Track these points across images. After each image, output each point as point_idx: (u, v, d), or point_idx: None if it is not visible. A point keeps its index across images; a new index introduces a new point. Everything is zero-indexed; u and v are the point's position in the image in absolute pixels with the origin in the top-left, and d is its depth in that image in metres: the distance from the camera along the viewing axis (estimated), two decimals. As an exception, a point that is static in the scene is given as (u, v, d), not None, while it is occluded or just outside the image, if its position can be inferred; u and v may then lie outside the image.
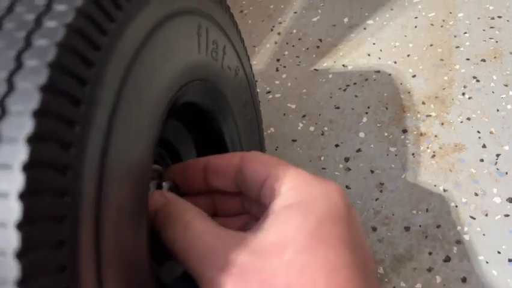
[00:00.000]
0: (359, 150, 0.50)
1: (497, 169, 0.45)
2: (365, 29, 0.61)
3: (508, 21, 0.56)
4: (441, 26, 0.58)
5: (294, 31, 0.64)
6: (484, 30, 0.56)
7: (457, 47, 0.55)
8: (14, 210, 0.16)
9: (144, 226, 0.24)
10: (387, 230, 0.43)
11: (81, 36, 0.19)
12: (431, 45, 0.56)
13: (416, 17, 0.60)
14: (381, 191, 0.47)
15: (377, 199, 0.46)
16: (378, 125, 0.51)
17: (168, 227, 0.24)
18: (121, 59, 0.22)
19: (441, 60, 0.55)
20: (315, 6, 0.66)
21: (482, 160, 0.46)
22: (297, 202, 0.23)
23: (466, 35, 0.56)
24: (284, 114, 0.55)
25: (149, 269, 0.24)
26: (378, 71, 0.56)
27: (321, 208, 0.23)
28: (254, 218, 0.30)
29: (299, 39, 0.62)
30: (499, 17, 0.57)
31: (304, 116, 0.54)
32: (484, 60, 0.53)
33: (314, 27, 0.63)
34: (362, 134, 0.51)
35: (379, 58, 0.57)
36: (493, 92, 0.51)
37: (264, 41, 0.63)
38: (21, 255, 0.16)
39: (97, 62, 0.20)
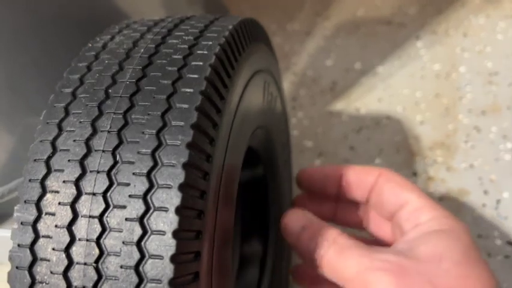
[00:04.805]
0: (372, 190, 0.54)
1: (498, 214, 0.50)
2: (375, 75, 0.66)
3: (504, 78, 0.62)
4: (445, 79, 0.64)
5: (309, 73, 0.68)
6: (483, 85, 0.62)
7: (460, 99, 0.61)
8: (170, 245, 0.20)
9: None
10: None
11: (209, 101, 0.23)
12: (437, 95, 0.62)
13: (422, 68, 0.66)
14: (394, 229, 0.52)
15: (390, 236, 0.51)
16: (391, 167, 0.56)
17: (315, 244, 0.27)
18: (229, 118, 0.25)
19: (446, 110, 0.60)
20: (328, 50, 0.71)
21: (484, 205, 0.51)
22: (443, 230, 0.27)
23: (467, 88, 0.62)
24: (301, 151, 0.59)
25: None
26: (389, 116, 0.61)
27: (465, 237, 0.26)
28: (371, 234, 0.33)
29: (314, 80, 0.67)
30: (496, 73, 0.63)
31: (320, 154, 0.58)
32: (484, 113, 0.59)
33: (328, 71, 0.68)
34: (375, 175, 0.55)
35: (389, 104, 0.62)
36: (491, 143, 0.56)
37: (281, 80, 0.67)
38: (173, 281, 0.20)
39: (218, 123, 0.24)
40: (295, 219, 0.30)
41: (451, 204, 0.52)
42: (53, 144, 0.22)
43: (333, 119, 0.62)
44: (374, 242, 0.33)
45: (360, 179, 0.32)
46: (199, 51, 0.24)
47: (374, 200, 0.32)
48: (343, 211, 0.34)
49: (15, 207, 0.22)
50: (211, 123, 0.23)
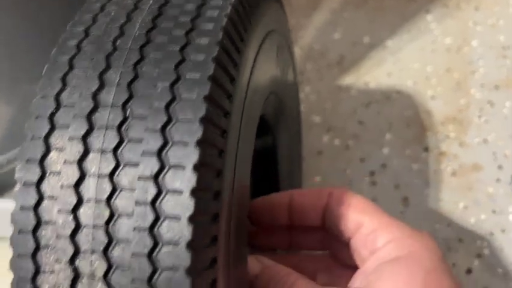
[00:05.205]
0: (383, 165, 0.53)
1: (513, 189, 0.49)
2: (384, 49, 0.64)
3: (518, 51, 0.60)
4: (457, 53, 0.62)
5: (316, 47, 0.66)
6: (496, 58, 0.60)
7: (472, 74, 0.59)
8: (188, 205, 0.18)
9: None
10: (415, 242, 0.46)
11: (226, 53, 0.21)
12: (448, 69, 0.60)
13: (433, 42, 0.64)
14: (405, 205, 0.50)
15: (401, 212, 0.49)
16: (401, 142, 0.54)
17: None
18: (246, 73, 0.24)
19: (458, 84, 0.58)
20: (335, 24, 0.69)
21: (498, 180, 0.50)
22: (401, 256, 0.24)
23: (479, 62, 0.60)
24: (309, 127, 0.57)
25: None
26: (399, 91, 0.59)
27: (426, 261, 0.23)
28: (333, 256, 0.31)
29: (321, 54, 0.65)
30: (509, 47, 0.61)
31: (328, 129, 0.57)
32: (497, 87, 0.57)
33: (335, 44, 0.66)
34: (385, 150, 0.54)
35: (399, 78, 0.60)
36: (505, 118, 0.55)
37: (287, 54, 0.65)
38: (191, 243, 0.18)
39: (236, 77, 0.22)
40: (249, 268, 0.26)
41: (464, 180, 0.51)
42: (56, 99, 0.20)
43: (342, 94, 0.60)
44: (339, 265, 0.31)
45: (309, 204, 0.29)
46: (213, 1, 0.22)
47: (328, 224, 0.29)
48: (299, 237, 0.31)
49: (17, 167, 0.20)
50: (229, 77, 0.21)
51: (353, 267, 0.29)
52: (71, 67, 0.21)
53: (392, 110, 0.57)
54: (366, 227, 0.26)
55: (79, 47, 0.22)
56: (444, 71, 0.60)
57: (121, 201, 0.18)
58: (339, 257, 0.30)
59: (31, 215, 0.19)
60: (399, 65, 0.62)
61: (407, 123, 0.56)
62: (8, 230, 0.35)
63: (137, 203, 0.18)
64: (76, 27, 0.23)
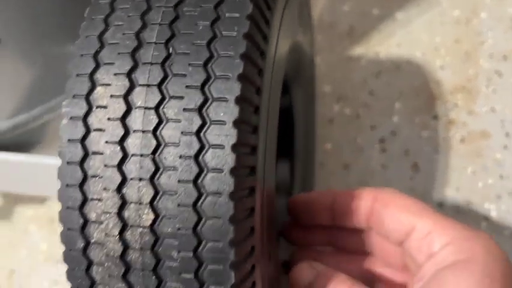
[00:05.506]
0: (393, 133, 0.54)
1: (520, 156, 0.50)
2: (394, 21, 0.64)
3: (526, 23, 0.61)
4: (466, 25, 0.62)
5: (326, 18, 0.67)
6: (505, 30, 0.61)
7: (480, 44, 0.60)
8: (231, 135, 0.19)
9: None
10: (424, 205, 0.47)
11: (259, 10, 0.22)
12: (457, 40, 0.61)
13: (441, 14, 0.64)
14: (415, 171, 0.51)
15: (411, 178, 0.51)
16: (411, 110, 0.55)
17: None
18: (275, 31, 0.24)
19: (467, 55, 0.59)
20: (344, -4, 0.69)
21: (505, 147, 0.51)
22: (460, 261, 0.22)
23: (488, 34, 0.61)
24: (320, 97, 0.58)
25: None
26: (409, 61, 0.60)
27: (489, 266, 0.22)
28: (378, 258, 0.28)
29: (331, 25, 0.65)
30: (517, 19, 0.62)
31: (339, 98, 0.57)
32: (505, 58, 0.58)
33: (345, 16, 0.66)
34: (395, 118, 0.55)
35: (409, 49, 0.61)
36: (513, 87, 0.56)
37: (297, 26, 0.65)
38: (234, 170, 0.19)
39: (270, 21, 0.23)
40: (302, 275, 0.26)
41: (473, 147, 0.52)
42: (100, 39, 0.21)
43: (352, 64, 0.61)
44: (382, 266, 0.29)
45: (353, 205, 0.27)
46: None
47: (375, 228, 0.27)
48: (341, 237, 0.30)
49: (63, 103, 0.21)
50: (264, 19, 0.22)
51: (398, 269, 0.27)
52: (112, 9, 0.22)
53: (402, 80, 0.58)
54: (420, 230, 0.25)
55: (118, -10, 0.22)
56: (453, 42, 0.61)
57: (167, 132, 0.19)
58: (385, 259, 0.28)
59: (79, 146, 0.20)
60: (408, 37, 0.62)
61: (417, 92, 0.57)
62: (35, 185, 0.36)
63: (183, 133, 0.19)
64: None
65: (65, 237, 0.21)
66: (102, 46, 0.21)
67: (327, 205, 0.29)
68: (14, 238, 0.53)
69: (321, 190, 0.45)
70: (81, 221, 0.20)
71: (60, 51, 0.38)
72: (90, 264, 0.20)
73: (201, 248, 0.19)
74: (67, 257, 0.21)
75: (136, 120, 0.20)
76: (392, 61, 0.60)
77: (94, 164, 0.20)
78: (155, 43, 0.20)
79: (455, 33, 0.62)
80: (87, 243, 0.20)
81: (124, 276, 0.20)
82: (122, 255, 0.20)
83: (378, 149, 0.53)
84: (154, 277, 0.20)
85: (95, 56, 0.21)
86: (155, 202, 0.19)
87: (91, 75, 0.21)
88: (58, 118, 0.36)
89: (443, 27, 0.63)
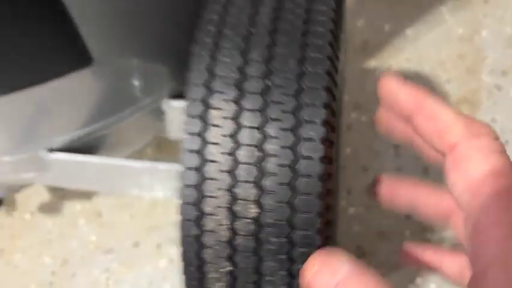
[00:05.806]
0: (405, 139, 0.60)
1: (517, 161, 0.57)
2: (404, 36, 0.71)
3: (523, 42, 0.68)
4: (469, 41, 0.69)
5: (341, 33, 0.73)
6: (503, 48, 0.68)
7: (482, 60, 0.67)
8: (319, 149, 0.25)
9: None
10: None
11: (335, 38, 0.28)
12: (461, 56, 0.68)
13: (447, 31, 0.71)
14: (425, 174, 0.58)
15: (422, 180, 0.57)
16: (422, 119, 0.62)
17: None
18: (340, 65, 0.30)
19: (470, 69, 0.66)
20: (357, 12, 0.75)
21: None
22: None
23: (489, 51, 0.68)
24: (338, 105, 0.64)
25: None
26: (418, 74, 0.66)
27: None
28: None
29: (346, 40, 0.72)
30: (514, 37, 0.69)
31: (355, 107, 0.64)
32: (504, 73, 0.65)
33: (359, 31, 0.73)
34: (407, 126, 0.61)
35: (418, 63, 0.67)
36: (511, 100, 0.62)
37: (316, 39, 0.72)
38: (323, 176, 0.25)
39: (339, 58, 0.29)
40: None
41: (476, 153, 0.58)
42: (209, 70, 0.27)
43: (367, 75, 0.67)
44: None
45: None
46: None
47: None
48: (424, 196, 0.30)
49: (183, 121, 0.27)
50: (336, 57, 0.28)
51: None
52: (216, 46, 0.28)
53: (412, 92, 0.65)
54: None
55: (219, 31, 0.28)
56: (457, 58, 0.68)
57: (268, 146, 0.25)
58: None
59: (196, 156, 0.26)
60: (417, 52, 0.69)
61: (426, 103, 0.63)
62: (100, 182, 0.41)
63: (281, 147, 0.25)
64: (210, 15, 0.29)
65: (182, 226, 0.26)
66: (212, 77, 0.27)
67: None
68: (65, 230, 0.58)
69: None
70: (197, 213, 0.26)
71: (129, 65, 0.43)
72: (202, 247, 0.26)
73: (293, 235, 0.25)
74: (183, 242, 0.27)
75: (243, 136, 0.26)
76: (403, 74, 0.66)
77: (209, 170, 0.26)
78: (255, 77, 0.26)
79: (460, 49, 0.69)
80: (201, 231, 0.26)
81: (231, 257, 0.26)
82: (230, 240, 0.26)
83: (393, 153, 0.60)
84: (255, 257, 0.26)
85: (207, 84, 0.27)
86: (259, 199, 0.25)
87: (203, 100, 0.26)
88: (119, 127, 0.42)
89: (448, 43, 0.70)
